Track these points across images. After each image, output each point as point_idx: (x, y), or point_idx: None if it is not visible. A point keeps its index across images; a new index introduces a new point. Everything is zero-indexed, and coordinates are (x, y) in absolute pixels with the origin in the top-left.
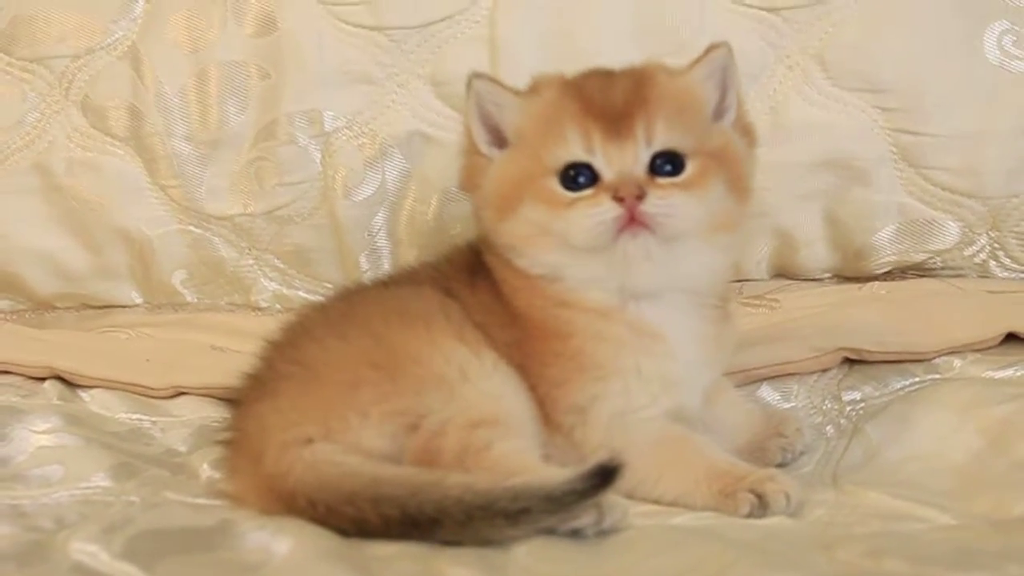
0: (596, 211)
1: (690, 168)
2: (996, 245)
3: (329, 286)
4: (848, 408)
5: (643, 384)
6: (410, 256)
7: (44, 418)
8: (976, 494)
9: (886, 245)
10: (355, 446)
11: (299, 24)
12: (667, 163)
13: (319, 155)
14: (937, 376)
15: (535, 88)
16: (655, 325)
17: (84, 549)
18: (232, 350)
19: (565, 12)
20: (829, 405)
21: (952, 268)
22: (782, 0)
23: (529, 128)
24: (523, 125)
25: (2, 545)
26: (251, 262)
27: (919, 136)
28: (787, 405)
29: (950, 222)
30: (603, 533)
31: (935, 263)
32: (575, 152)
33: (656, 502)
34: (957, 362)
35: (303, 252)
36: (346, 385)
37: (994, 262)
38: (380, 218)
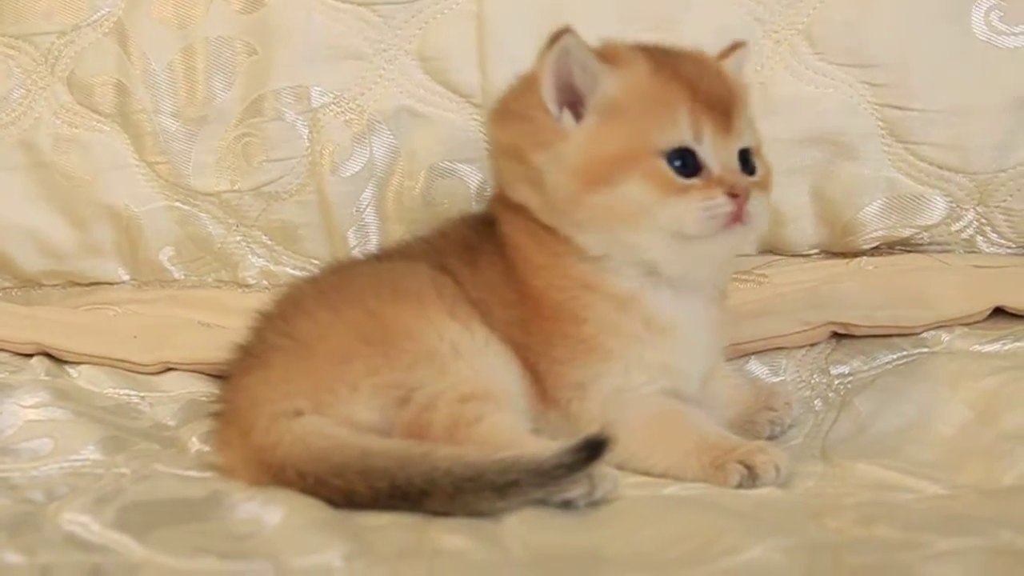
0: (711, 204)
1: (759, 167)
2: (983, 220)
3: (316, 262)
4: (836, 382)
5: (644, 367)
6: (398, 232)
7: (32, 393)
8: (965, 464)
9: (873, 220)
10: (345, 419)
11: (286, 0)
12: (745, 160)
13: (306, 131)
14: (925, 350)
15: (616, 57)
16: (669, 317)
17: (76, 520)
18: (219, 326)
19: None
20: (817, 379)
21: (939, 243)
22: None
23: (628, 102)
24: (619, 97)
25: None
26: (238, 238)
27: (906, 111)
28: (776, 379)
29: (937, 197)
30: (595, 503)
31: (922, 238)
32: (685, 138)
33: (647, 473)
34: (945, 336)
35: (290, 228)
36: (337, 358)
37: (981, 237)
38: (368, 194)
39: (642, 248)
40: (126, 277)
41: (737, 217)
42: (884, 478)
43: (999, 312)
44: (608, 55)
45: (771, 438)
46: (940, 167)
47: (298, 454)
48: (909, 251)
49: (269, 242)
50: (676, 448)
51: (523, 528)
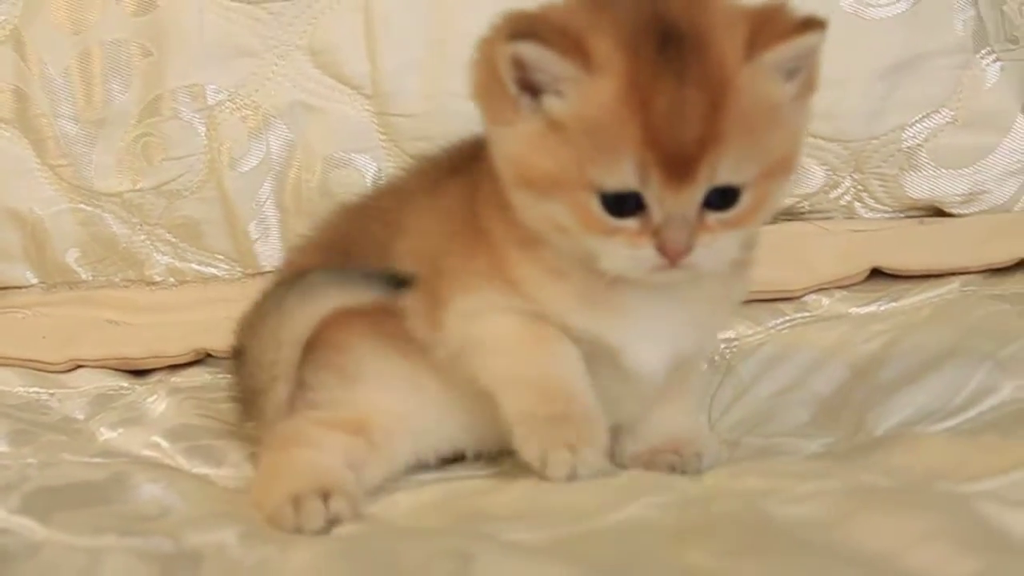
0: (636, 253)
1: (744, 200)
2: (860, 187)
3: (221, 257)
4: (723, 346)
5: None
6: (298, 224)
7: None
8: (840, 420)
9: None
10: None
11: (178, 1)
12: (721, 196)
13: (204, 129)
14: (807, 314)
15: (589, 56)
16: (618, 299)
17: None
18: (128, 323)
19: None
20: None
21: (819, 211)
22: None
23: (576, 124)
24: (571, 114)
25: None
26: (143, 237)
27: None
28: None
29: (815, 166)
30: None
31: (803, 207)
32: (628, 183)
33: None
34: (825, 300)
35: (193, 225)
36: None
37: (859, 203)
38: (267, 188)
39: (569, 252)
40: (34, 280)
41: (669, 266)
42: (766, 445)
43: (877, 274)
44: (579, 45)
45: None
46: (815, 136)
47: None
48: (791, 219)
49: (173, 239)
50: (519, 373)
51: (406, 498)
